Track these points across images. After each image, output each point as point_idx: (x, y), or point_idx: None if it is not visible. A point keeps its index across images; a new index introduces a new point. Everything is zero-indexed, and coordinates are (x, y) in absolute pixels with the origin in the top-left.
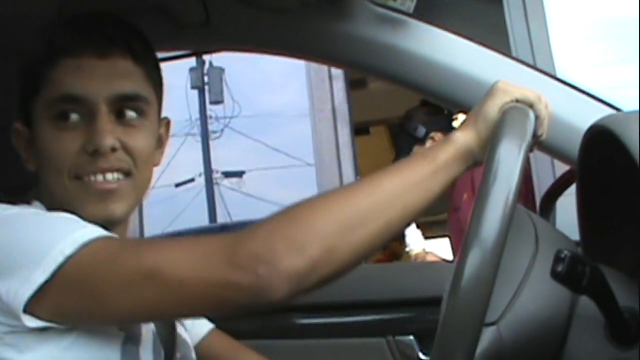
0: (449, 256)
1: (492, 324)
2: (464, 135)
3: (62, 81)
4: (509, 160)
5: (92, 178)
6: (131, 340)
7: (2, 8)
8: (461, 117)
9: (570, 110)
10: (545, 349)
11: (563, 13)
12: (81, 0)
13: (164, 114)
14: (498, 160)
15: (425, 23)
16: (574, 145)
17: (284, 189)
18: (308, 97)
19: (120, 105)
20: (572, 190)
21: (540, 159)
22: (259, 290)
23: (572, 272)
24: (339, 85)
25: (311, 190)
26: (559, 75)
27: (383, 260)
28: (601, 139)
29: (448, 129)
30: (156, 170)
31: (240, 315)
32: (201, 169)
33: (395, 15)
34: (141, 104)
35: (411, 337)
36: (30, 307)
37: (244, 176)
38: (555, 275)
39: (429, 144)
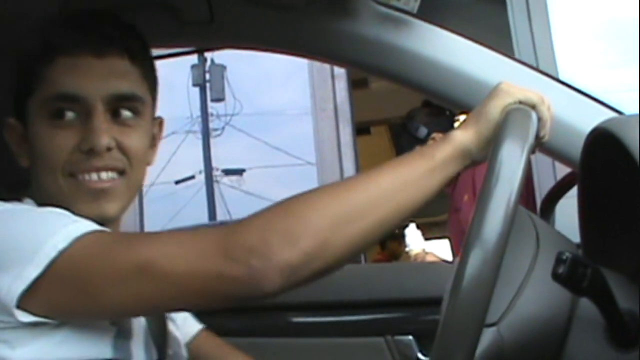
0: (448, 257)
1: (493, 324)
2: (462, 134)
3: (59, 79)
4: (511, 162)
5: (87, 176)
6: (123, 335)
7: (2, 7)
8: (462, 118)
9: (572, 113)
10: (545, 350)
11: (566, 15)
12: None
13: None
14: (500, 161)
15: (429, 23)
16: (576, 148)
17: (284, 187)
18: (310, 96)
19: (116, 105)
20: (572, 192)
21: (541, 160)
22: (252, 282)
23: (572, 273)
24: (341, 85)
25: None
26: (561, 77)
27: (382, 260)
28: (603, 142)
29: (449, 130)
30: (156, 167)
31: (234, 308)
32: (201, 166)
33: (398, 14)
34: (137, 103)
35: (410, 337)
36: (23, 302)
37: (244, 174)
38: (555, 276)
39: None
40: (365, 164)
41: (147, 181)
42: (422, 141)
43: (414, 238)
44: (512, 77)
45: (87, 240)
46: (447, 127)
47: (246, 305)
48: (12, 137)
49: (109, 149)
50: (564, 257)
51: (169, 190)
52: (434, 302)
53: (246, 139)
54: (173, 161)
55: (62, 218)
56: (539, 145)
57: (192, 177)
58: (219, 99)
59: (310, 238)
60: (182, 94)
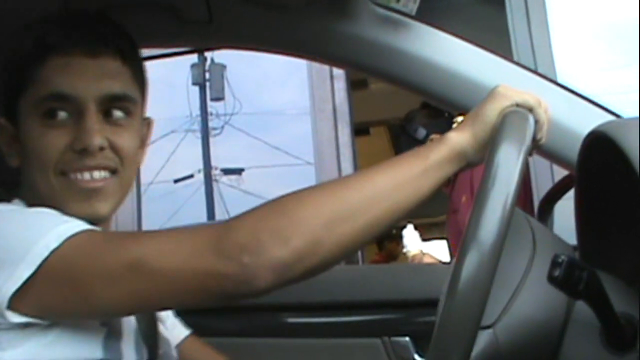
0: (446, 258)
1: (488, 327)
2: (458, 136)
3: (51, 79)
4: (508, 164)
5: (79, 176)
6: (113, 336)
7: (1, 7)
8: (461, 120)
9: (570, 115)
10: (540, 353)
11: (565, 17)
12: None
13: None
14: (497, 164)
15: (428, 25)
16: (573, 150)
17: (283, 187)
18: (308, 96)
19: (108, 105)
20: (571, 194)
21: (538, 162)
22: (244, 279)
23: (568, 276)
24: (340, 85)
25: None
26: (560, 80)
27: (379, 260)
28: (600, 145)
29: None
30: (155, 166)
31: (230, 308)
32: (200, 165)
33: (397, 16)
34: (128, 103)
35: (407, 338)
36: (14, 303)
37: (243, 173)
38: (551, 279)
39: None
40: (364, 164)
41: (146, 180)
42: (421, 142)
43: (411, 239)
44: (510, 80)
45: (78, 240)
46: (446, 128)
47: (243, 304)
48: (2, 137)
49: (101, 149)
50: (560, 260)
51: (168, 189)
52: (431, 304)
53: (245, 139)
54: (172, 160)
55: (53, 218)
56: (536, 147)
57: (191, 176)
58: (219, 98)
59: (302, 236)
60: (182, 93)
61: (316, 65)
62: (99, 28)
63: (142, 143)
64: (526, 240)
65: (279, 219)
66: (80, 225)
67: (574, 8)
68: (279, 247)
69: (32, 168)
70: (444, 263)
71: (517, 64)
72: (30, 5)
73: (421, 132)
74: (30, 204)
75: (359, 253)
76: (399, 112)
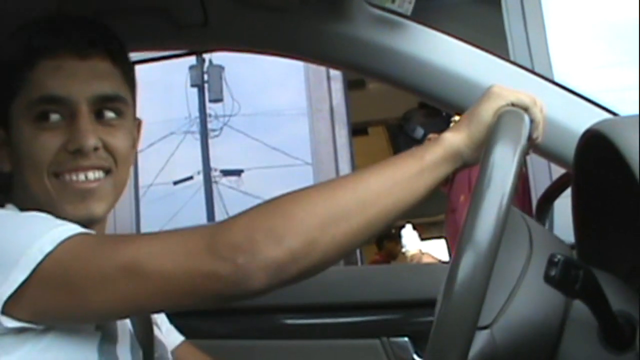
0: (445, 257)
1: (485, 327)
2: (454, 136)
3: (42, 82)
4: (503, 164)
5: (74, 177)
6: (108, 340)
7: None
8: (458, 119)
9: (567, 114)
10: (538, 353)
11: (561, 15)
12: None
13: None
14: (492, 164)
15: (423, 25)
16: (570, 149)
17: (283, 188)
18: (305, 97)
19: (100, 106)
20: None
21: (536, 160)
22: (238, 280)
23: (565, 276)
24: (337, 86)
25: None
26: (556, 79)
27: (379, 260)
28: (596, 143)
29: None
30: (154, 168)
31: (230, 310)
32: (199, 166)
33: (392, 17)
34: (120, 104)
35: (405, 339)
36: (8, 308)
37: (243, 175)
38: (548, 279)
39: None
40: (362, 164)
41: (145, 182)
42: (419, 142)
43: (410, 238)
44: (506, 79)
45: (72, 243)
46: (443, 127)
47: (243, 306)
48: None
49: (95, 149)
50: (556, 260)
51: (168, 191)
52: (431, 304)
53: (244, 140)
54: (171, 162)
55: (47, 222)
56: (532, 147)
57: (191, 177)
58: (217, 99)
59: (296, 236)
60: (180, 94)
61: (313, 65)
62: (87, 30)
63: (134, 144)
64: (523, 240)
65: (274, 219)
66: (74, 229)
67: (569, 6)
68: (273, 247)
69: (25, 171)
70: (443, 262)
71: (513, 63)
72: (28, 6)
73: (419, 132)
74: (24, 208)
75: (358, 253)
76: (397, 111)
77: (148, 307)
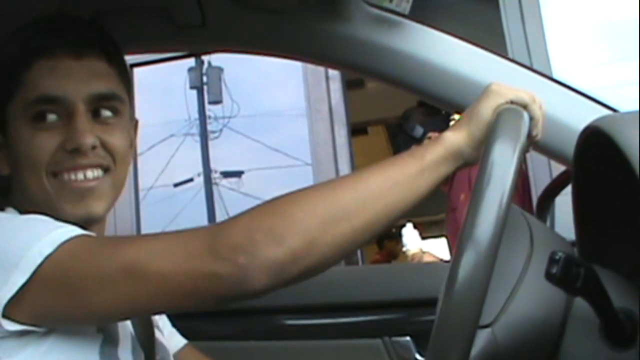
0: (446, 256)
1: (487, 326)
2: (454, 136)
3: (39, 82)
4: (503, 162)
5: (72, 176)
6: (109, 342)
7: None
8: (458, 118)
9: (566, 111)
10: (540, 351)
11: (559, 13)
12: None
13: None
14: (492, 162)
15: (421, 24)
16: (570, 146)
17: (284, 188)
18: (304, 97)
19: (97, 105)
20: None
21: (536, 157)
22: (239, 280)
23: (566, 273)
24: (336, 86)
25: None
26: (555, 76)
27: (380, 260)
28: (596, 140)
29: (445, 129)
30: (155, 170)
31: (232, 311)
32: (200, 168)
33: (390, 16)
34: (116, 102)
35: (407, 338)
36: (9, 311)
37: (243, 176)
38: (549, 276)
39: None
40: (362, 164)
41: (145, 184)
42: (419, 141)
43: (410, 238)
44: (505, 77)
45: (72, 245)
46: (443, 126)
47: (245, 306)
48: None
49: (93, 148)
50: (557, 257)
51: (168, 193)
52: (432, 303)
53: (244, 141)
54: (171, 164)
55: (47, 224)
56: (532, 144)
57: (191, 179)
58: (217, 101)
59: (297, 236)
60: (180, 97)
61: (311, 66)
62: (83, 31)
63: (131, 143)
64: (524, 238)
65: (274, 219)
66: (74, 231)
67: (567, 3)
68: (274, 247)
69: (23, 172)
70: (444, 261)
71: (512, 60)
72: (28, 6)
73: (418, 130)
74: (24, 210)
75: (359, 253)
76: (396, 110)
77: (149, 309)
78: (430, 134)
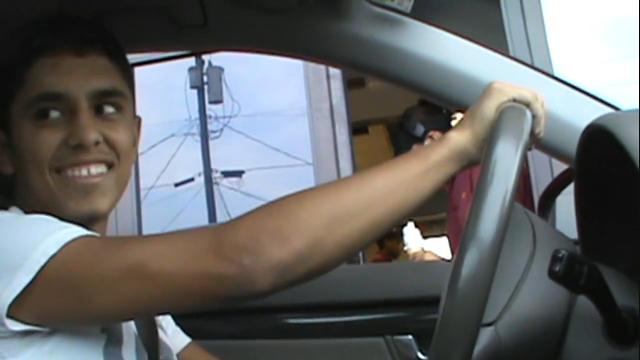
0: (447, 255)
1: (490, 324)
2: (458, 135)
3: (41, 80)
4: (506, 160)
5: (76, 172)
6: (113, 343)
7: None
8: (459, 116)
9: (568, 109)
10: (543, 349)
11: (560, 11)
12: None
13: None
14: (495, 160)
15: (423, 22)
16: (572, 144)
17: (284, 188)
18: (305, 97)
19: (99, 101)
20: (572, 188)
21: (537, 157)
22: (244, 281)
23: (569, 271)
24: (337, 85)
25: None
26: (556, 74)
27: (381, 259)
28: (598, 138)
29: (446, 128)
30: (155, 170)
31: (234, 310)
32: (200, 168)
33: (392, 14)
34: (119, 98)
35: (409, 337)
36: (13, 311)
37: (244, 175)
38: (552, 274)
39: (427, 142)
40: (363, 163)
41: (146, 184)
42: (420, 139)
43: (412, 237)
44: (507, 75)
45: (77, 245)
46: (444, 125)
47: (247, 306)
48: None
49: (96, 143)
50: (560, 255)
51: (169, 193)
52: (434, 302)
53: (245, 141)
54: (172, 164)
55: (51, 224)
56: (535, 142)
57: (192, 179)
58: (217, 100)
59: (302, 237)
60: (180, 96)
61: (312, 65)
62: (85, 29)
63: (134, 141)
64: (526, 236)
65: (278, 220)
66: (78, 231)
67: (568, 2)
68: (279, 248)
69: (27, 170)
70: (446, 260)
71: (514, 59)
72: (29, 6)
73: (419, 129)
74: (28, 208)
75: (360, 252)
76: (397, 109)
77: (153, 309)
78: (431, 133)
